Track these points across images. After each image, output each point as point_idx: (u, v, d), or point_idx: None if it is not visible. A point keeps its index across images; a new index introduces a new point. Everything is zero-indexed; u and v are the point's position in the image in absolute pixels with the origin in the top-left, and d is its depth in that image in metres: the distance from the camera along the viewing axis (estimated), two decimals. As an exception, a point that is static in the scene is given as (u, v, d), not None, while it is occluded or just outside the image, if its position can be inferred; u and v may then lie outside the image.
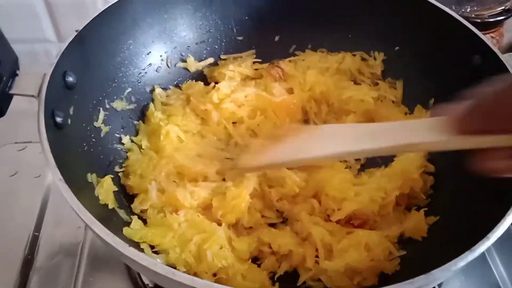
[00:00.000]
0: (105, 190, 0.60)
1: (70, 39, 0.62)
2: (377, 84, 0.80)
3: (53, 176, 0.48)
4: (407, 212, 0.65)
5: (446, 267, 0.43)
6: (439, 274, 0.43)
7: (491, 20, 0.91)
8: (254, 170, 0.64)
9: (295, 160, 0.57)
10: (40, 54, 1.08)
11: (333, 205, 0.62)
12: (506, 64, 0.62)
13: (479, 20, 0.91)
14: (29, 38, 1.04)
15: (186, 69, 0.82)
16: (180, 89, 0.80)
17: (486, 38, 0.68)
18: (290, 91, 0.78)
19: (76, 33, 0.63)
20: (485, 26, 0.93)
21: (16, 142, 0.82)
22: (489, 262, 0.67)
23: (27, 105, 0.59)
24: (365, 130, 0.53)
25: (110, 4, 0.69)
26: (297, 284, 0.59)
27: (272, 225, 0.65)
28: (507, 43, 1.12)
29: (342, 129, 0.57)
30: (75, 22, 1.01)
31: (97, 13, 0.67)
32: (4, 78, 0.55)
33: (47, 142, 0.51)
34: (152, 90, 0.77)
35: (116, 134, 0.70)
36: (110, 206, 0.59)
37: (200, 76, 0.82)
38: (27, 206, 0.73)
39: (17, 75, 0.57)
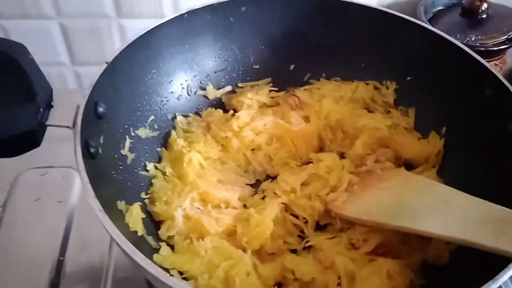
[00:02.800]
0: (135, 217, 0.61)
1: (102, 70, 0.64)
2: (389, 112, 0.83)
3: (94, 207, 0.50)
4: (429, 239, 0.65)
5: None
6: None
7: (495, 49, 0.95)
8: (355, 220, 0.66)
9: (399, 227, 0.59)
10: (53, 76, 1.11)
11: (359, 236, 0.64)
12: (516, 96, 0.65)
13: (483, 49, 0.95)
14: (44, 61, 1.06)
15: (205, 96, 0.84)
16: (200, 116, 0.82)
17: (495, 69, 0.71)
18: (306, 119, 0.81)
19: (106, 65, 0.66)
20: (489, 54, 0.97)
21: (38, 167, 0.84)
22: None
23: (47, 131, 0.59)
24: (497, 215, 0.50)
25: (137, 36, 0.71)
26: (320, 310, 0.61)
27: (293, 251, 0.67)
28: (508, 69, 1.17)
29: (463, 201, 0.56)
30: (89, 47, 1.05)
31: (125, 45, 0.69)
32: (41, 110, 0.57)
33: (85, 173, 0.53)
34: (174, 118, 0.80)
35: (141, 161, 0.72)
36: (139, 233, 0.61)
37: (219, 104, 0.85)
38: (51, 230, 0.74)
39: (52, 106, 0.59)
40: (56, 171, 0.81)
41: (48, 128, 0.58)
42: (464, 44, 0.80)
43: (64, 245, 0.73)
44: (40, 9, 0.98)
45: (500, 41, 0.95)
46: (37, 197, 0.79)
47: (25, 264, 0.70)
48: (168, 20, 0.75)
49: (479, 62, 0.71)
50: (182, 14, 0.76)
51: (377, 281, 0.58)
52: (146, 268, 0.46)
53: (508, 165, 0.64)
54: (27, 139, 0.56)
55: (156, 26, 0.73)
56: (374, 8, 0.81)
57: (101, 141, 0.63)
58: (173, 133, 0.77)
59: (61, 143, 0.54)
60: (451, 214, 0.56)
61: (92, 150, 0.59)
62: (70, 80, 1.12)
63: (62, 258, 0.71)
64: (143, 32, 0.72)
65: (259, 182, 0.76)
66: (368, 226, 0.65)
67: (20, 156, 0.84)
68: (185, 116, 0.81)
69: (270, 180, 0.76)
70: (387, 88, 0.84)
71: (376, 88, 0.85)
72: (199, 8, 0.78)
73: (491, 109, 0.69)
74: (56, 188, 0.80)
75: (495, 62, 1.00)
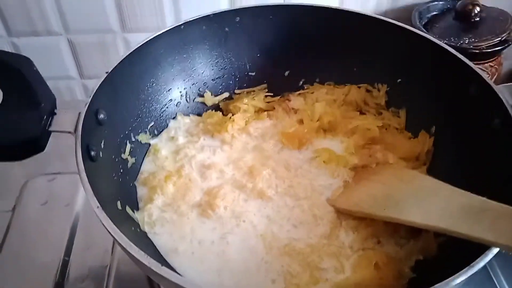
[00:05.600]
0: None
1: (102, 79, 0.68)
2: (381, 113, 0.85)
3: (92, 204, 0.53)
4: (418, 231, 0.66)
5: (444, 284, 0.47)
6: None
7: (489, 50, 0.96)
8: (346, 212, 0.69)
9: (385, 217, 0.62)
10: (62, 90, 1.16)
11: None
12: (499, 94, 0.67)
13: (477, 51, 0.96)
14: (54, 75, 1.11)
15: (203, 103, 0.88)
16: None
17: (481, 69, 0.73)
18: (301, 122, 0.84)
19: (106, 74, 0.70)
20: (483, 56, 0.98)
21: (46, 174, 0.88)
22: (493, 279, 0.71)
23: (55, 140, 0.64)
24: (475, 205, 0.52)
25: (136, 46, 0.75)
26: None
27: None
28: (506, 71, 1.17)
29: (447, 192, 0.58)
30: (96, 60, 1.09)
31: (125, 55, 0.73)
32: (44, 117, 0.61)
33: (85, 174, 0.56)
34: (174, 122, 0.84)
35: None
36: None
37: (217, 110, 0.88)
38: (58, 232, 0.79)
39: (55, 113, 0.64)
40: (64, 177, 0.86)
41: (58, 138, 0.62)
42: (458, 47, 0.81)
43: (70, 245, 0.77)
44: (49, 26, 1.04)
45: (493, 43, 0.97)
46: (44, 201, 0.83)
47: (33, 263, 0.74)
48: (165, 31, 0.79)
49: (463, 62, 0.72)
50: (179, 25, 0.80)
51: (365, 272, 0.61)
52: (142, 261, 0.49)
53: (494, 159, 0.65)
54: (32, 144, 0.60)
55: (154, 37, 0.77)
56: (364, 15, 0.83)
57: (102, 146, 0.67)
58: (172, 137, 0.81)
59: (69, 151, 0.58)
60: (433, 204, 0.58)
61: (92, 153, 0.63)
62: (78, 92, 1.17)
63: (67, 258, 0.75)
64: (142, 43, 0.76)
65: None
66: (358, 219, 0.67)
67: (30, 164, 0.90)
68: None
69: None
70: (379, 90, 0.86)
71: (368, 91, 0.87)
72: (195, 19, 0.82)
73: (477, 106, 0.70)
74: (63, 193, 0.84)
75: (490, 64, 1.01)
